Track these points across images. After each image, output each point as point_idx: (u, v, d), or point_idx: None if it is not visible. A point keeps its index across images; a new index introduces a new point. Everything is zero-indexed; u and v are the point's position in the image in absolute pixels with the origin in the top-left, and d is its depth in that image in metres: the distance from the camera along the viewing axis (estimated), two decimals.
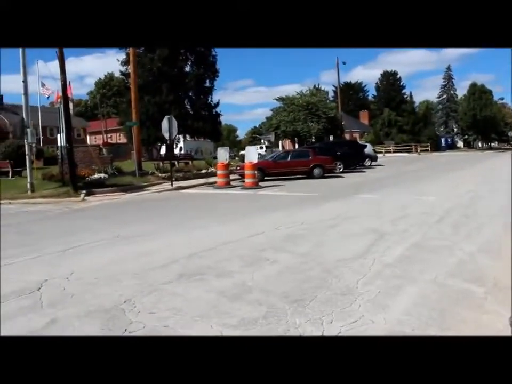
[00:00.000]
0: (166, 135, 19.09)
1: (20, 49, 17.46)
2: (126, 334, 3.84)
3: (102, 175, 18.09)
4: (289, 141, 49.61)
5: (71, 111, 20.01)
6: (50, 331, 3.95)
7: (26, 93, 17.74)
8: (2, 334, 3.81)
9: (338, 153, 24.38)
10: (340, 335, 3.71)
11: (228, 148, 21.41)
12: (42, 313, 4.45)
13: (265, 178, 20.02)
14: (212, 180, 20.67)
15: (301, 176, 20.89)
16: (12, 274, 5.94)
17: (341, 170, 23.95)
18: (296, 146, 43.25)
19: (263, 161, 21.40)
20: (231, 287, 4.98)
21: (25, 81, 17.65)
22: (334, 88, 72.61)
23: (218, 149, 20.77)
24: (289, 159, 21.67)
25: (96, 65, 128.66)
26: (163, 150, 42.59)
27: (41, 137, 40.73)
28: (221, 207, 12.81)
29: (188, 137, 47.37)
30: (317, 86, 59.57)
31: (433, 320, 3.96)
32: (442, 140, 67.47)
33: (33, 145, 18.68)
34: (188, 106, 43.98)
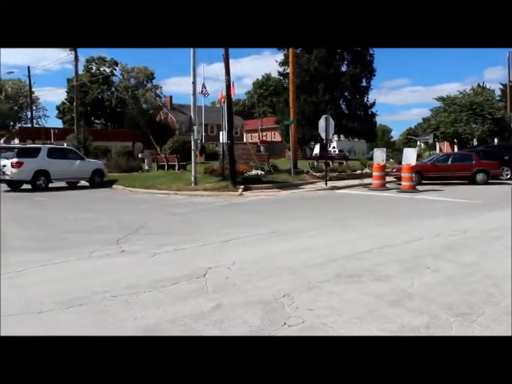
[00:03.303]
0: (323, 134, 19.21)
1: (191, 53, 18.80)
2: (285, 327, 3.93)
3: (259, 171, 18.78)
4: (448, 143, 46.81)
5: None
6: (215, 315, 4.21)
7: (194, 93, 19.15)
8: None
9: (506, 157, 22.35)
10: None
11: (385, 149, 20.85)
12: (208, 297, 4.74)
13: (423, 181, 19.18)
14: (366, 181, 20.38)
15: (462, 181, 19.62)
16: (183, 259, 6.52)
17: (508, 177, 21.95)
18: (455, 149, 40.62)
19: (421, 164, 20.47)
20: (390, 292, 4.85)
21: (194, 83, 19.04)
22: (501, 87, 66.72)
23: (375, 149, 20.34)
24: (449, 162, 20.43)
25: (252, 67, 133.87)
26: (316, 149, 42.95)
27: (203, 134, 43.68)
28: (376, 209, 12.54)
29: (341, 137, 47.22)
30: (481, 84, 55.34)
31: None
32: None
33: (198, 141, 20.06)
34: (343, 106, 43.87)
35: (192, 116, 19.06)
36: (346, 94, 43.66)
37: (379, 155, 18.97)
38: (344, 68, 43.51)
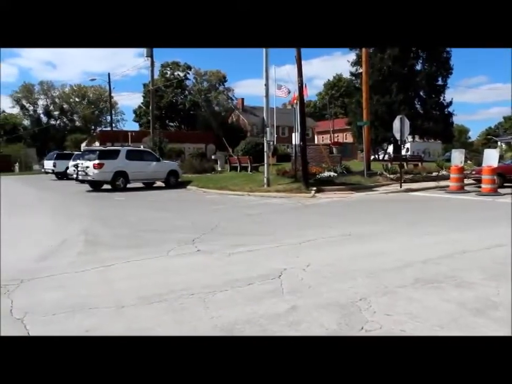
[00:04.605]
0: (397, 135, 18.74)
1: (264, 55, 18.83)
2: (362, 332, 3.86)
3: (331, 173, 18.57)
4: None
5: None
6: (291, 317, 4.20)
7: (267, 95, 19.22)
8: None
9: None
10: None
11: (464, 150, 19.96)
12: (283, 299, 4.74)
13: (505, 184, 18.22)
14: (442, 183, 19.65)
15: None
16: (257, 259, 6.56)
17: None
18: None
19: (504, 166, 19.44)
20: (473, 300, 4.63)
21: (266, 85, 19.11)
22: None
23: (453, 150, 19.54)
24: None
25: (323, 67, 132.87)
26: (389, 151, 41.96)
27: (275, 136, 43.91)
28: (455, 213, 12.05)
29: (416, 137, 45.80)
30: None
31: None
32: None
33: (271, 143, 20.15)
34: (418, 106, 42.56)
35: (264, 117, 19.13)
36: (421, 93, 42.31)
37: (457, 156, 18.22)
38: (419, 67, 42.24)
